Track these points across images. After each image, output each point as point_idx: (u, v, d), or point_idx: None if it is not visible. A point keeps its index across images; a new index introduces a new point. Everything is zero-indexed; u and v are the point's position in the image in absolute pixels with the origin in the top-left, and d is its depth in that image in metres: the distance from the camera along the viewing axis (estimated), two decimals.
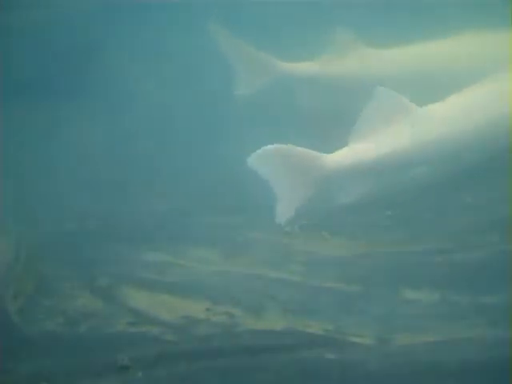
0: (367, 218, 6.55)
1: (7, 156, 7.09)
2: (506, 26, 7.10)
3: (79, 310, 5.30)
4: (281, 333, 4.87)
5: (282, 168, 5.88)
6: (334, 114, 7.44)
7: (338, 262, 5.90)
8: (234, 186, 7.20)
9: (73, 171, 7.69)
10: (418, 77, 7.35)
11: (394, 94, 6.14)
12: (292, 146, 5.93)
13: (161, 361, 4.49)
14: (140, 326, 5.04)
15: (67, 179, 7.53)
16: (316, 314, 5.09)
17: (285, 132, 6.54)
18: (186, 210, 7.11)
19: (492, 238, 5.90)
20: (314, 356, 4.50)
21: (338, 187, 6.19)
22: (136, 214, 7.12)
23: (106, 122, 8.19)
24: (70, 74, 8.37)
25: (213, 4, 8.05)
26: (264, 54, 7.88)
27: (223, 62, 8.17)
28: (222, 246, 6.29)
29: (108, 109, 8.26)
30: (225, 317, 5.11)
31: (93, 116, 8.23)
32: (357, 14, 7.89)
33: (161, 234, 6.57)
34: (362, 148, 6.09)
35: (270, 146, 5.84)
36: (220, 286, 5.57)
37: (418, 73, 7.42)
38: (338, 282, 5.56)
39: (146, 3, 8.35)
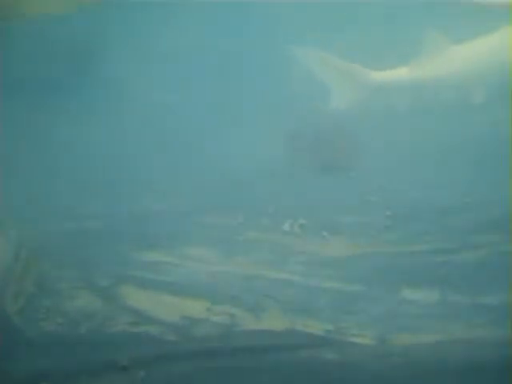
0: (367, 218, 6.55)
1: (7, 156, 7.09)
2: None
3: (79, 310, 5.30)
4: (281, 333, 4.86)
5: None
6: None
7: (337, 262, 5.90)
8: (233, 186, 7.20)
9: (72, 171, 7.69)
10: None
11: None
12: None
13: (161, 361, 4.49)
14: (140, 325, 5.04)
15: (67, 179, 7.53)
16: (316, 313, 5.09)
17: None
18: (186, 210, 7.11)
19: (492, 238, 5.91)
20: (314, 356, 4.49)
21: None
22: (136, 213, 7.11)
23: (106, 122, 8.18)
24: (70, 74, 8.37)
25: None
26: (355, 65, 7.65)
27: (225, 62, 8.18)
28: (222, 245, 6.29)
29: (108, 109, 8.25)
30: (225, 317, 5.11)
31: (93, 116, 8.22)
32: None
33: (160, 234, 6.56)
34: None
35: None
36: (220, 286, 5.57)
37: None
38: (338, 281, 5.56)
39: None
